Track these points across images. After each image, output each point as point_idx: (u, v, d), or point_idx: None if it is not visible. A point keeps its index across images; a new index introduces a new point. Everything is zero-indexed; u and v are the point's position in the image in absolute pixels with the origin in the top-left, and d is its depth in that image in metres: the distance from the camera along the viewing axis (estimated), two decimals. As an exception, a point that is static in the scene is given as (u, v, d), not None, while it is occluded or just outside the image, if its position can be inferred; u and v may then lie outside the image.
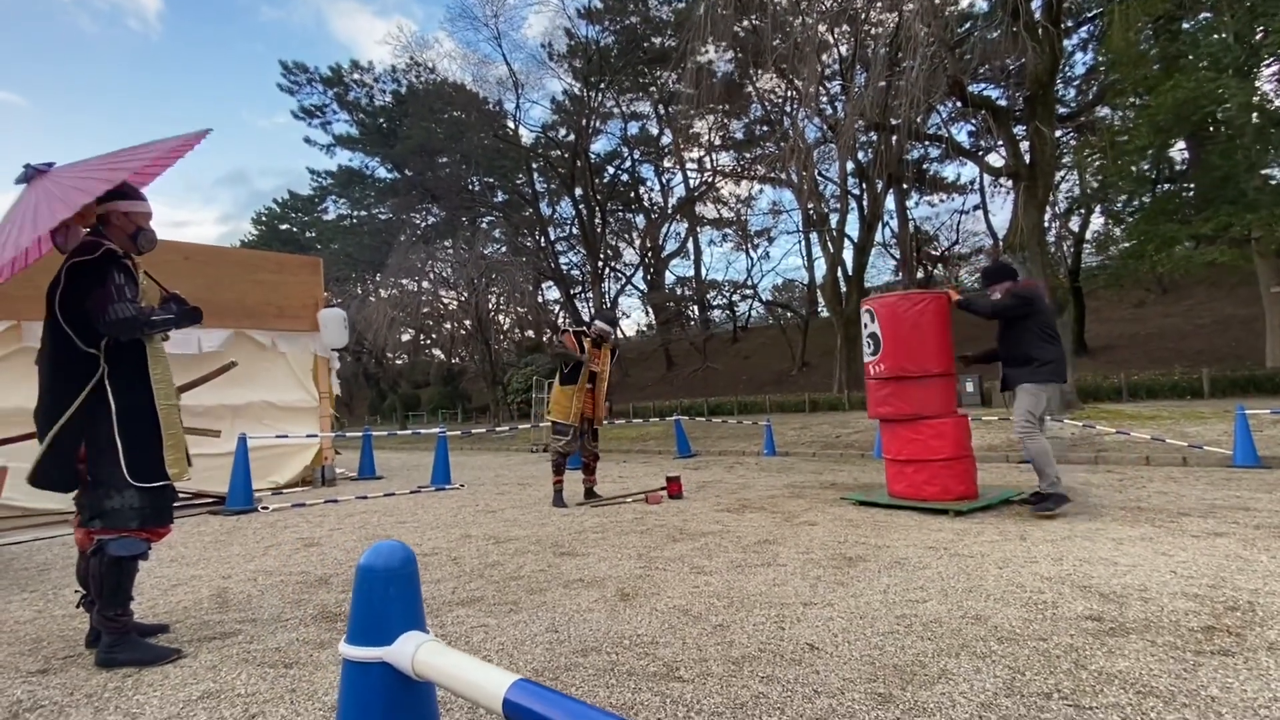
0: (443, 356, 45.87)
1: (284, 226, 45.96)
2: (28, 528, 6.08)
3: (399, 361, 49.76)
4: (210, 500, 7.18)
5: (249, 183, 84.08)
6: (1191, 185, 17.48)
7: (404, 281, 35.40)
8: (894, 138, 16.69)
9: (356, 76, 37.47)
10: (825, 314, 33.09)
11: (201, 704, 2.19)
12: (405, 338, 42.80)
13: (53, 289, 2.61)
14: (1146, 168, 17.40)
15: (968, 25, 14.28)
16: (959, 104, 15.05)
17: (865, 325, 5.63)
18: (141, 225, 2.78)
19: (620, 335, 44.25)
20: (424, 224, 39.99)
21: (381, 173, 39.71)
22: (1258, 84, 15.42)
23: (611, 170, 38.27)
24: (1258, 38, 14.49)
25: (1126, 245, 18.36)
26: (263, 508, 6.83)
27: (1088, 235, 27.68)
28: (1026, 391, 4.90)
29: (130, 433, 2.63)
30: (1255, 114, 14.48)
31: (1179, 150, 18.90)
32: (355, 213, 43.43)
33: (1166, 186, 18.28)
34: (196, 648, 2.74)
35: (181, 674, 2.46)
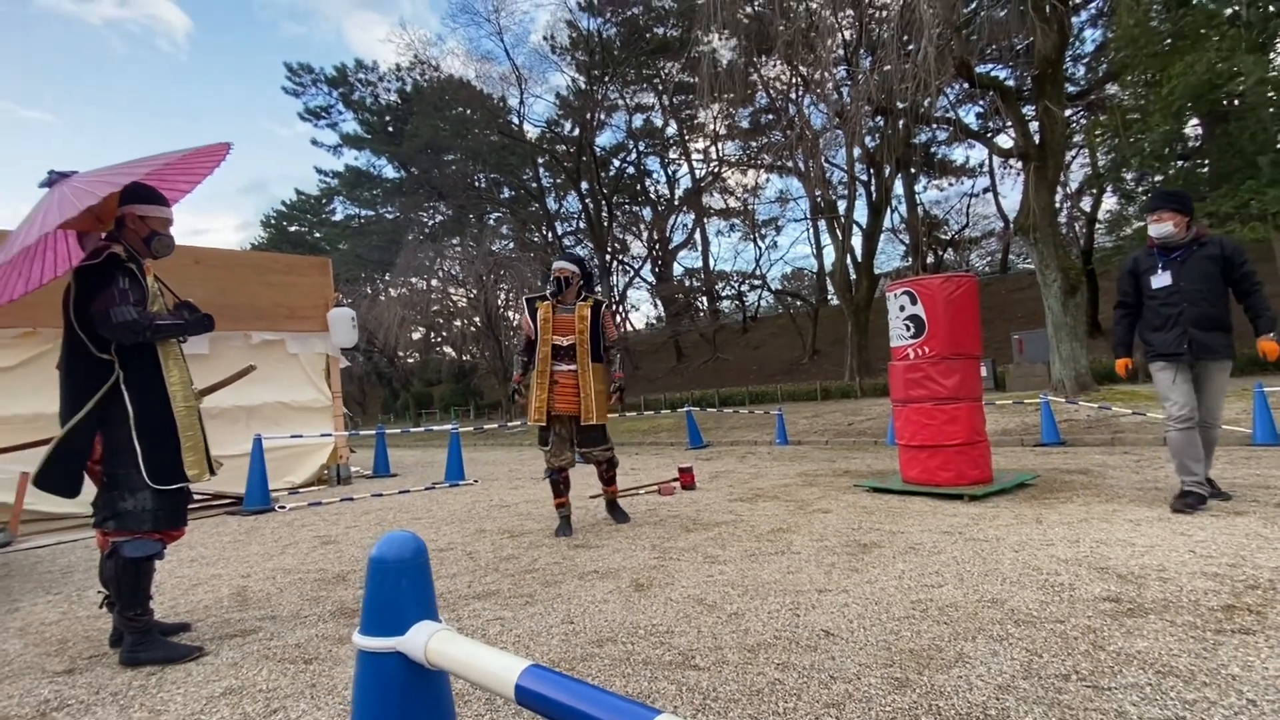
0: (454, 354, 46.02)
1: (293, 228, 46.16)
2: (51, 531, 6.17)
3: (410, 360, 49.97)
4: (228, 501, 7.26)
5: (268, 190, 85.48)
6: (1206, 162, 17.20)
7: (413, 280, 35.50)
8: (901, 122, 16.54)
9: (361, 76, 37.53)
10: (835, 302, 32.88)
11: (224, 700, 2.22)
12: (416, 336, 42.94)
13: (66, 295, 2.65)
14: (1157, 147, 17.13)
15: (974, 5, 14.09)
16: (966, 85, 14.88)
17: (903, 308, 5.45)
18: (157, 230, 2.80)
19: (630, 328, 44.18)
20: (431, 222, 40.06)
21: (388, 172, 39.80)
22: (1273, 58, 15.12)
23: (617, 163, 38.14)
24: (1271, 8, 14.20)
25: (1141, 225, 18.09)
26: (280, 507, 6.90)
27: (1100, 215, 27.33)
28: (1227, 370, 4.22)
29: (148, 435, 2.66)
30: (1271, 89, 14.21)
31: (1192, 127, 18.60)
32: (363, 213, 43.58)
33: (1181, 164, 18.00)
34: (218, 645, 2.77)
35: (204, 671, 2.50)
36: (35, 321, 6.60)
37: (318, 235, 45.15)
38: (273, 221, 47.09)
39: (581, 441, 4.65)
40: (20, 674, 2.58)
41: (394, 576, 1.19)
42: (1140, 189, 18.69)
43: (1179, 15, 15.87)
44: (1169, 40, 15.96)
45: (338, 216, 45.31)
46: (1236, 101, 15.22)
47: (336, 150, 40.01)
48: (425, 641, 1.12)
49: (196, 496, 6.89)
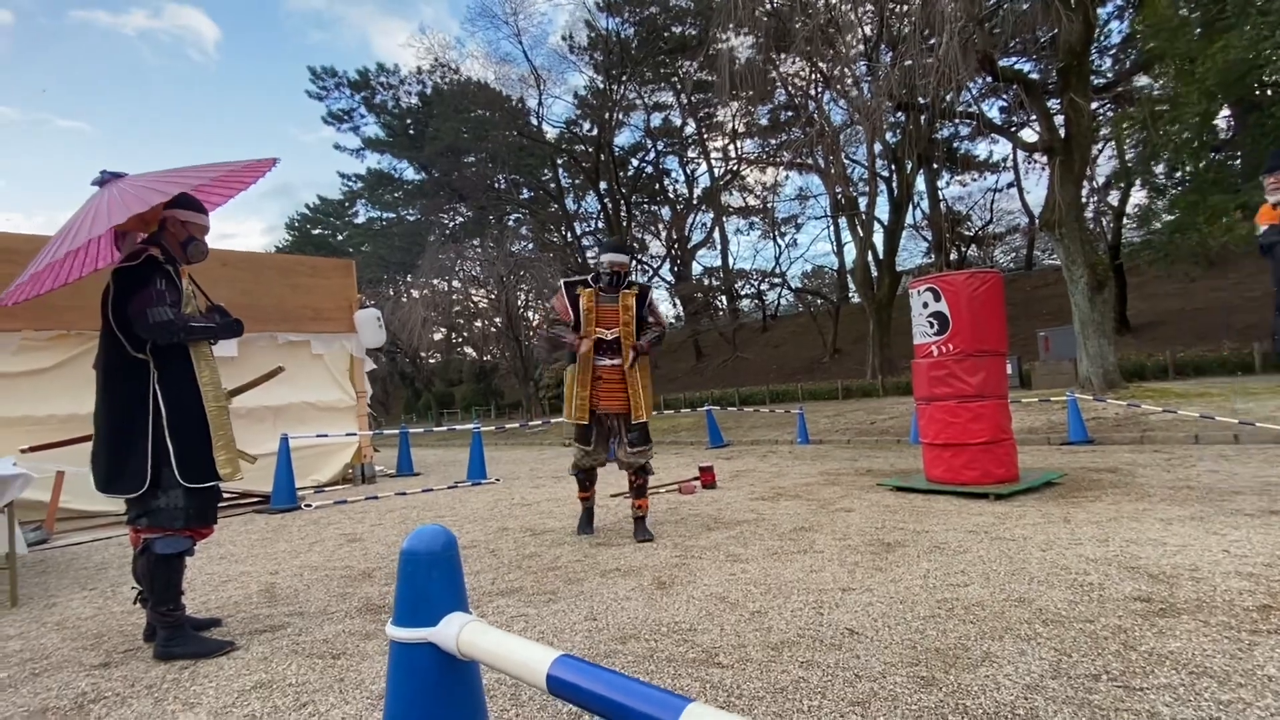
0: (474, 354, 46.35)
1: (316, 231, 46.77)
2: (86, 529, 6.32)
3: (432, 360, 50.43)
4: (256, 499, 7.39)
5: (293, 194, 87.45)
6: (1238, 154, 16.82)
7: (435, 281, 35.81)
8: (923, 117, 16.36)
9: (383, 79, 37.91)
10: (856, 299, 32.63)
11: (255, 694, 2.26)
12: (438, 337, 43.32)
13: (105, 295, 2.72)
14: (1189, 137, 16.75)
15: (997, -2, 13.89)
16: (989, 79, 14.68)
17: (926, 305, 5.40)
18: (194, 235, 2.88)
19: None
20: (452, 224, 40.38)
21: (410, 174, 40.19)
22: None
23: (635, 163, 38.21)
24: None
25: (1171, 219, 17.73)
26: (306, 505, 7.00)
27: (1128, 209, 26.81)
28: None
29: (181, 434, 2.72)
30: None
31: (1224, 119, 18.19)
32: (385, 215, 44.05)
33: (1213, 156, 17.59)
34: (248, 640, 2.83)
35: (235, 665, 2.55)
36: (70, 324, 6.76)
37: (341, 238, 45.68)
38: (297, 225, 47.76)
39: (633, 439, 4.26)
40: (59, 667, 2.65)
41: (425, 569, 1.21)
42: (1170, 182, 18.31)
43: (1209, 6, 15.53)
44: (1199, 29, 15.62)
45: (360, 219, 45.83)
46: (1269, 91, 14.86)
47: (359, 153, 40.55)
48: (457, 632, 1.14)
49: (225, 495, 7.03)
